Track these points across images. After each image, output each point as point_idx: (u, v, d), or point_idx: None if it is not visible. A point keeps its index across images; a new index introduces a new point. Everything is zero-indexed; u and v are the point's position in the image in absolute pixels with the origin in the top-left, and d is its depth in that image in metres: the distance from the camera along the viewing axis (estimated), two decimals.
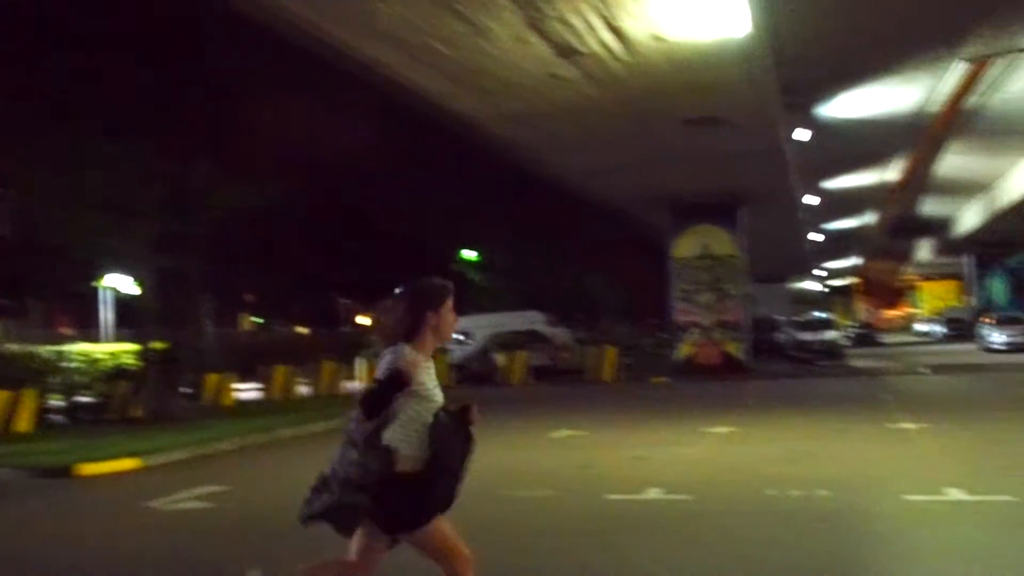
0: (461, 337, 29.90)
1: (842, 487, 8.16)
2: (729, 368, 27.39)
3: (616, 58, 15.09)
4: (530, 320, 30.20)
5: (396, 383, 3.23)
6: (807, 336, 34.31)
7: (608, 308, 44.53)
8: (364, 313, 50.57)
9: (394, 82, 16.35)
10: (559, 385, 25.03)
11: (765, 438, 12.21)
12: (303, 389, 25.04)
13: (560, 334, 30.68)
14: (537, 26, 13.42)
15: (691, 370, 27.39)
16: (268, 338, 39.55)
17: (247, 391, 24.42)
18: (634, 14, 13.33)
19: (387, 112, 22.22)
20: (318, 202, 31.31)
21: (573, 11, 13.05)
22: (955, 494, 7.59)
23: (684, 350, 28.82)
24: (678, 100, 17.85)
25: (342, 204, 34.21)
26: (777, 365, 30.82)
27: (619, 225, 36.87)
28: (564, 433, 13.39)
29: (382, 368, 3.29)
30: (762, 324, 36.14)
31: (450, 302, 3.46)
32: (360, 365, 28.53)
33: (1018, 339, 34.69)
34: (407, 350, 3.31)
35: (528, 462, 10.76)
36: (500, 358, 27.81)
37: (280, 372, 24.33)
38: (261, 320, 46.25)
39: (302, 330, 44.73)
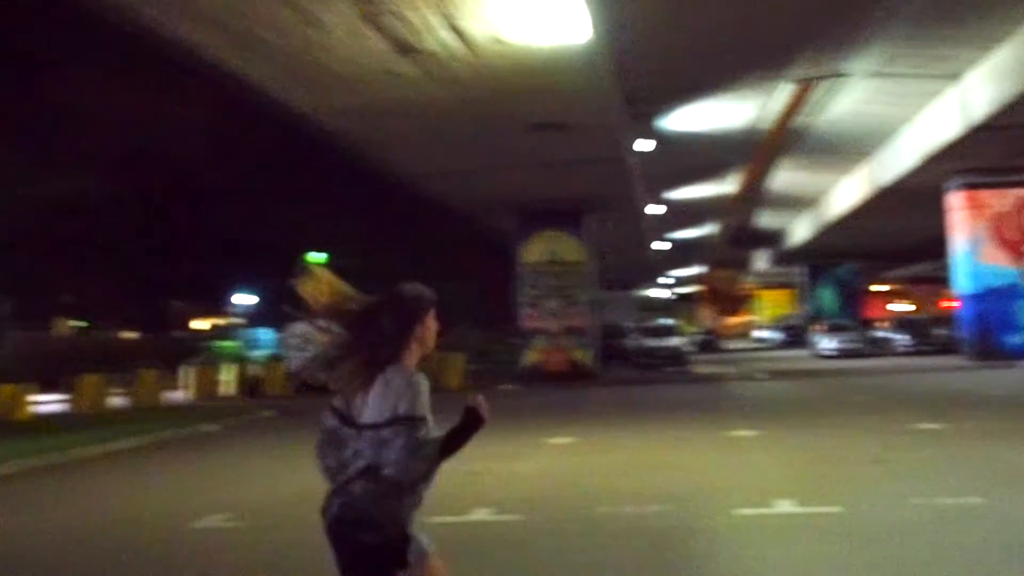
0: (299, 342, 28.90)
1: (675, 501, 7.96)
2: (576, 375, 27.49)
3: (457, 58, 14.69)
4: None
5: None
6: (652, 343, 34.90)
7: (459, 313, 44.18)
8: (200, 316, 48.39)
9: (225, 71, 15.37)
10: None
11: (605, 448, 12.00)
12: (118, 400, 23.17)
13: None
14: (373, 20, 12.84)
15: (539, 377, 27.31)
16: (86, 343, 36.58)
17: (50, 404, 22.22)
18: (474, 14, 12.98)
19: (225, 103, 21.03)
20: (149, 197, 29.49)
21: (410, 7, 12.58)
22: (784, 506, 7.49)
23: (532, 357, 28.76)
24: (522, 104, 17.65)
25: (176, 200, 32.39)
26: (624, 371, 31.20)
27: (472, 228, 36.60)
28: None
29: (408, 396, 2.90)
30: (610, 331, 36.62)
31: (433, 310, 3.19)
32: (185, 373, 27.00)
33: (846, 346, 36.54)
34: (420, 373, 2.99)
35: None
36: None
37: (90, 382, 22.17)
38: (83, 323, 43.11)
39: (129, 334, 41.97)
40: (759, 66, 21.33)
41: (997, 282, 27.59)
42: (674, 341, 35.29)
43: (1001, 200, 27.80)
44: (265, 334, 40.04)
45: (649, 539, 6.70)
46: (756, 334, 68.34)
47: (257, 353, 34.69)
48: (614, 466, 10.30)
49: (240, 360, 30.79)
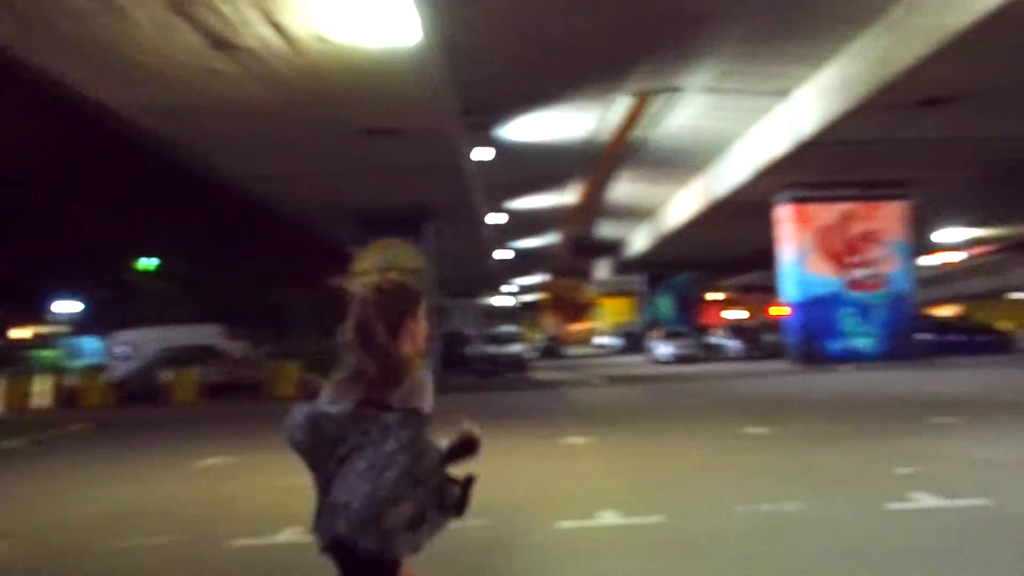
0: (126, 351, 27.66)
1: (497, 515, 7.58)
2: None
3: (278, 56, 13.86)
4: (206, 334, 28.45)
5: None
6: (494, 349, 34.84)
7: (300, 321, 42.90)
8: (21, 324, 45.30)
9: (23, 63, 14.03)
10: (234, 403, 23.54)
11: None
12: None
13: (238, 348, 29.01)
14: (182, 11, 11.90)
15: None
16: None
17: None
18: (294, 10, 12.23)
19: (31, 99, 19.44)
20: None
21: None
22: (609, 517, 7.27)
23: None
24: (353, 108, 16.97)
25: None
26: (465, 379, 30.95)
27: (312, 235, 35.53)
28: (213, 461, 11.96)
29: (413, 392, 2.78)
30: (452, 338, 36.39)
31: (422, 304, 3.06)
32: None
33: (681, 351, 37.56)
34: (425, 370, 2.89)
35: (157, 500, 9.35)
36: (168, 375, 25.74)
37: None
38: None
39: None
40: (597, 77, 21.49)
41: (821, 291, 28.93)
42: (516, 348, 35.36)
43: (826, 213, 29.20)
44: (90, 343, 37.89)
45: (465, 557, 6.28)
46: (597, 341, 69.68)
47: (78, 362, 32.72)
48: None
49: (57, 370, 28.92)
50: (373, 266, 28.16)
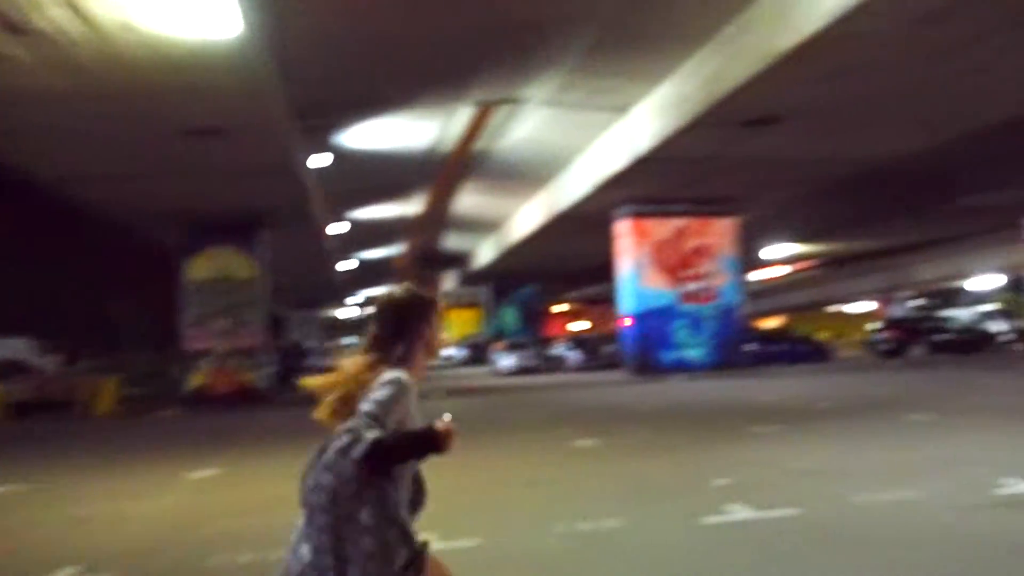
0: None
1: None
2: (247, 397, 26.09)
3: (79, 44, 12.68)
4: (13, 347, 26.55)
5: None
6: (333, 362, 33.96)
7: (127, 334, 40.51)
8: None
9: None
10: (44, 422, 21.83)
11: (252, 481, 10.82)
12: None
13: (50, 363, 27.13)
14: None
15: (206, 401, 25.67)
16: None
17: None
18: None
19: None
20: None
21: None
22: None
23: (197, 379, 26.95)
24: (169, 104, 15.86)
25: None
26: (301, 393, 29.93)
27: (140, 241, 33.53)
28: (1, 489, 10.84)
29: (375, 393, 2.59)
30: (291, 351, 35.37)
31: (437, 310, 2.92)
32: None
33: (523, 363, 37.88)
34: (408, 378, 2.68)
35: None
36: None
37: None
38: None
39: None
40: (438, 84, 21.13)
41: (657, 303, 29.54)
42: None
43: (662, 228, 29.89)
44: None
45: None
46: (443, 352, 69.50)
47: None
48: (253, 503, 9.22)
49: None
50: (203, 275, 27.01)
